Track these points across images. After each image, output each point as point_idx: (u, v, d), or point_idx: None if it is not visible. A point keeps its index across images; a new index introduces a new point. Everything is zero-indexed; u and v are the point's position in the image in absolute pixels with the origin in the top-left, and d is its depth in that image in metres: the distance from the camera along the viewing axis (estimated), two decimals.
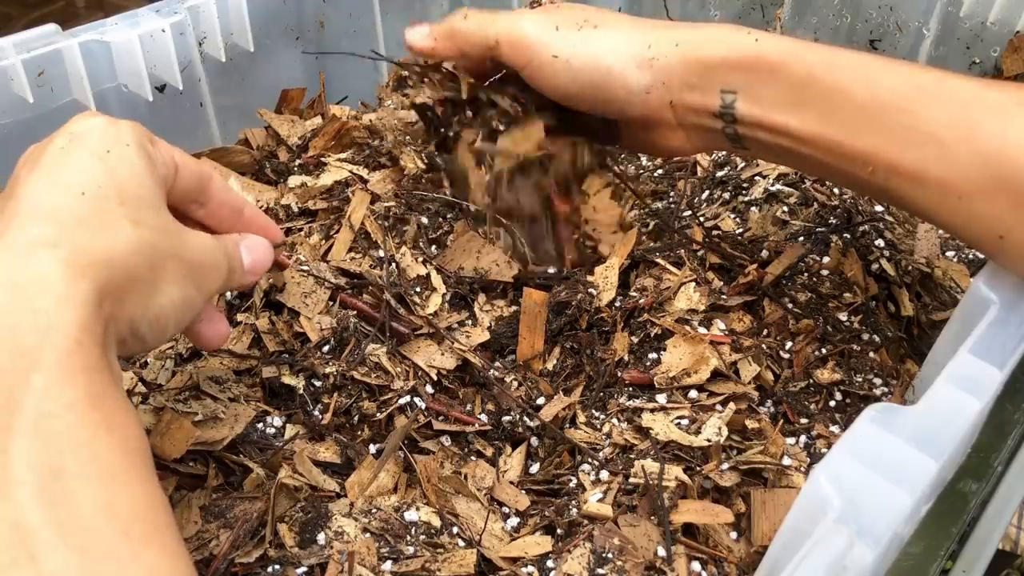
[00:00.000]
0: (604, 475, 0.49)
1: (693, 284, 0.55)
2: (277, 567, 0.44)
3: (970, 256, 0.65)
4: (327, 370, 0.52)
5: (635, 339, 0.54)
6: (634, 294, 0.56)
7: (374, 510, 0.47)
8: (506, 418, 0.52)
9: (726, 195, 0.68)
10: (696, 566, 0.44)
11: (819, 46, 0.48)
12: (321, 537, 0.45)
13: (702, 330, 0.53)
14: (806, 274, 0.58)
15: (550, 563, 0.45)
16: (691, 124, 0.51)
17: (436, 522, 0.47)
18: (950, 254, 0.65)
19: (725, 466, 0.47)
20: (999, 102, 0.43)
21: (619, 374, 0.53)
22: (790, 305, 0.56)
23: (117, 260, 0.35)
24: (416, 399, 0.52)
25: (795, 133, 0.48)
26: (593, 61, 0.50)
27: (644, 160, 0.77)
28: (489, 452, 0.52)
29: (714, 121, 0.50)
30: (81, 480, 0.31)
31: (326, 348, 0.54)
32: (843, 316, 0.56)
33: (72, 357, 0.32)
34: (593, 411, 0.53)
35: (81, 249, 0.34)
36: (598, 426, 0.52)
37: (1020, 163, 0.42)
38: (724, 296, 0.55)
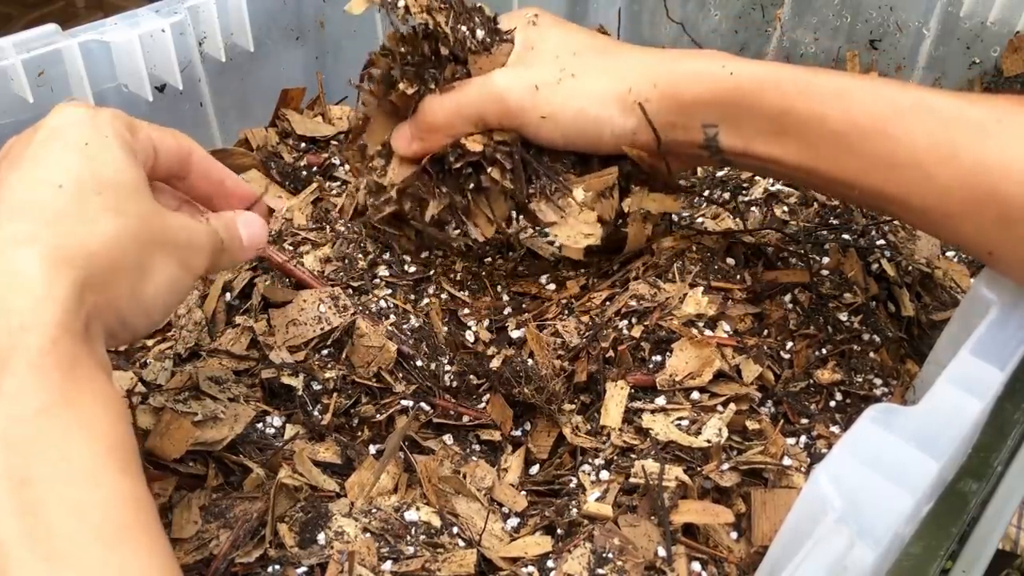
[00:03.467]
0: (604, 475, 0.49)
1: (702, 289, 0.55)
2: (277, 567, 0.44)
3: (970, 257, 0.65)
4: (327, 375, 0.52)
5: (643, 343, 0.54)
6: (632, 302, 0.55)
7: (374, 510, 0.47)
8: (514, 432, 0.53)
9: (726, 195, 0.68)
10: (696, 566, 0.44)
11: (796, 70, 0.48)
12: (321, 537, 0.45)
13: (708, 332, 0.53)
14: (809, 273, 0.58)
15: (550, 563, 0.45)
16: (678, 153, 0.51)
17: (436, 522, 0.47)
18: (950, 254, 0.65)
19: (725, 466, 0.47)
20: (978, 119, 0.43)
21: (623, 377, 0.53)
22: (791, 305, 0.56)
23: (98, 251, 0.35)
24: (422, 403, 0.52)
25: (779, 161, 0.48)
26: (581, 115, 0.50)
27: None
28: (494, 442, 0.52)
29: (700, 151, 0.50)
30: (51, 485, 0.30)
31: (325, 352, 0.54)
32: (843, 316, 0.56)
33: (46, 357, 0.32)
34: (595, 412, 0.53)
35: (60, 244, 0.34)
36: (598, 427, 0.52)
37: (1001, 183, 0.42)
38: (730, 302, 0.55)
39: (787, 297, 0.56)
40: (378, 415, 0.52)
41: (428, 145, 0.52)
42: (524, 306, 0.60)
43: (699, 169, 0.73)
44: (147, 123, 0.42)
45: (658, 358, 0.53)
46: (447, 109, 0.51)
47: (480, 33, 0.52)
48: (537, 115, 0.50)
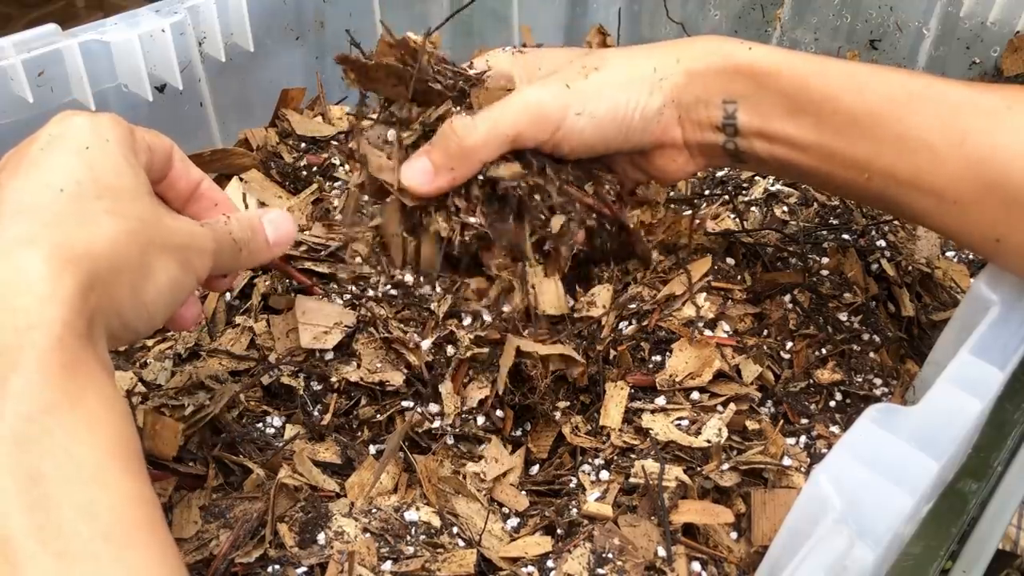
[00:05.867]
0: (604, 475, 0.49)
1: (704, 293, 0.55)
2: (277, 567, 0.44)
3: (970, 256, 0.65)
4: (332, 378, 0.52)
5: (643, 343, 0.54)
6: (632, 303, 0.55)
7: (374, 510, 0.47)
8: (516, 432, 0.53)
9: (726, 195, 0.68)
10: (696, 566, 0.44)
11: (811, 56, 0.49)
12: (321, 537, 0.45)
13: (707, 332, 0.53)
14: (806, 274, 0.58)
15: (550, 563, 0.45)
16: (695, 142, 0.52)
17: (436, 522, 0.47)
18: (950, 254, 0.65)
19: (725, 466, 0.47)
20: (989, 106, 0.44)
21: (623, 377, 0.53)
22: (791, 305, 0.56)
23: (99, 252, 0.35)
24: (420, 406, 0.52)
25: (793, 141, 0.48)
26: (612, 102, 0.49)
27: None
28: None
29: (716, 135, 0.50)
30: (60, 483, 0.30)
31: (329, 356, 0.54)
32: (843, 316, 0.56)
33: (52, 355, 0.32)
34: (594, 412, 0.53)
35: (62, 244, 0.34)
36: (598, 427, 0.52)
37: (1011, 167, 0.42)
38: (730, 302, 0.55)
39: (787, 297, 0.56)
40: (378, 415, 0.52)
41: (458, 175, 0.47)
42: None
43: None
44: (137, 126, 0.43)
45: (658, 358, 0.53)
46: (482, 129, 0.46)
47: (464, 75, 0.51)
48: (573, 113, 0.49)
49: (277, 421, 0.52)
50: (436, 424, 0.52)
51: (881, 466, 0.36)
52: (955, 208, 0.45)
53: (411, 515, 0.47)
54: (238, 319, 0.57)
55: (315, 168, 0.70)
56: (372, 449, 0.52)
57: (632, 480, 0.47)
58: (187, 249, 0.41)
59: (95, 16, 0.89)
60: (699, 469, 0.47)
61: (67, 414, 0.32)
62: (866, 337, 0.55)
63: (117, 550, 0.31)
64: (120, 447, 0.33)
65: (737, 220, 0.64)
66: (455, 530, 0.47)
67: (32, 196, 0.36)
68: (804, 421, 0.51)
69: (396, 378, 0.52)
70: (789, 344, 0.54)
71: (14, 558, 0.29)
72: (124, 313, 0.37)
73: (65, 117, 0.39)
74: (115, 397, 0.34)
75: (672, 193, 0.68)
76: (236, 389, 0.51)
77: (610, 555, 0.44)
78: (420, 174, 0.47)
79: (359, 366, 0.53)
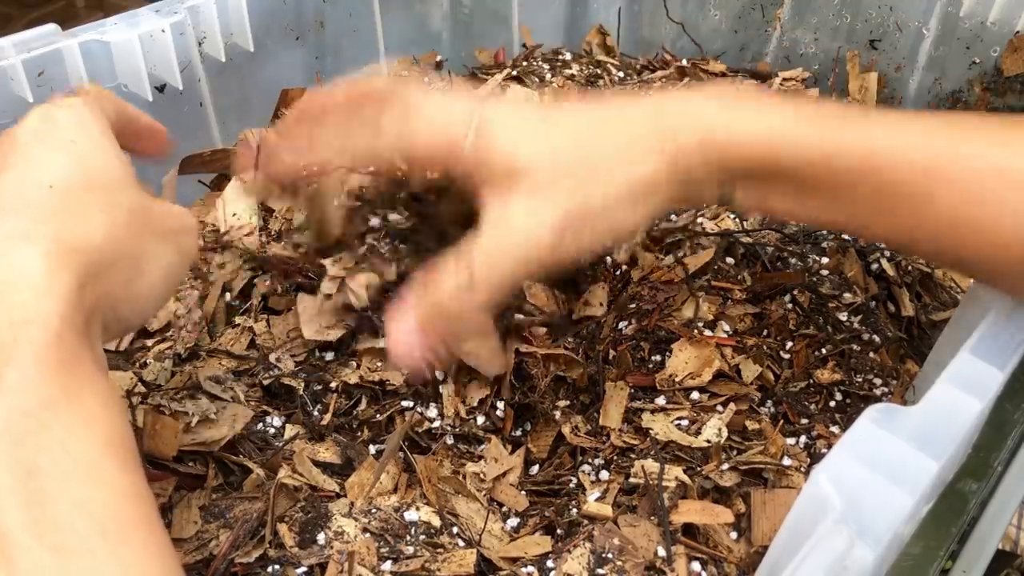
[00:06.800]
0: (604, 475, 0.49)
1: (703, 294, 0.55)
2: (277, 567, 0.44)
3: None
4: (332, 384, 0.52)
5: (643, 343, 0.54)
6: (632, 305, 0.55)
7: (374, 510, 0.47)
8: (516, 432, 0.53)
9: None
10: (696, 566, 0.44)
11: (813, 126, 0.43)
12: (321, 537, 0.45)
13: (707, 332, 0.53)
14: (806, 274, 0.58)
15: (550, 563, 0.45)
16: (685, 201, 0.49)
17: (436, 522, 0.47)
18: None
19: (725, 466, 0.47)
20: (1020, 176, 0.40)
21: (623, 377, 0.53)
22: (791, 305, 0.56)
23: (94, 246, 0.35)
24: (420, 407, 0.52)
25: (798, 217, 0.46)
26: (593, 235, 0.44)
27: None
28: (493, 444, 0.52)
29: (711, 200, 0.47)
30: (56, 479, 0.30)
31: (329, 356, 0.54)
32: (843, 316, 0.56)
33: (49, 351, 0.32)
34: (594, 412, 0.53)
35: (57, 239, 0.34)
36: (598, 427, 0.52)
37: None
38: (730, 302, 0.55)
39: (787, 297, 0.56)
40: (378, 415, 0.52)
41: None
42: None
43: None
44: (102, 91, 0.42)
45: (658, 358, 0.53)
46: (483, 294, 0.44)
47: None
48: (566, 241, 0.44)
49: (277, 421, 0.52)
50: (436, 424, 0.52)
51: (881, 466, 0.36)
52: (995, 278, 0.43)
53: (411, 515, 0.47)
54: (238, 319, 0.57)
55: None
56: (372, 449, 0.52)
57: (632, 480, 0.47)
58: (179, 232, 0.41)
59: (95, 16, 0.89)
60: (699, 469, 0.47)
61: (64, 410, 0.32)
62: (866, 337, 0.55)
63: (113, 546, 0.31)
64: (116, 444, 0.33)
65: (737, 220, 0.64)
66: (455, 530, 0.47)
67: (22, 193, 0.35)
68: (804, 421, 0.51)
69: (396, 378, 0.52)
70: (789, 344, 0.54)
71: (9, 552, 0.29)
72: (118, 306, 0.37)
73: (46, 111, 0.39)
74: (110, 393, 0.34)
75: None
76: (250, 415, 0.51)
77: (610, 555, 0.44)
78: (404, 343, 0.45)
79: (359, 366, 0.53)
